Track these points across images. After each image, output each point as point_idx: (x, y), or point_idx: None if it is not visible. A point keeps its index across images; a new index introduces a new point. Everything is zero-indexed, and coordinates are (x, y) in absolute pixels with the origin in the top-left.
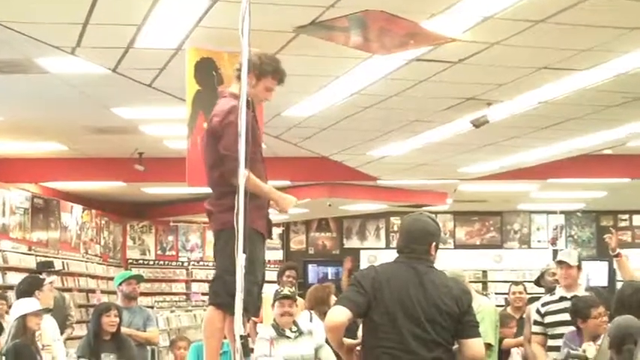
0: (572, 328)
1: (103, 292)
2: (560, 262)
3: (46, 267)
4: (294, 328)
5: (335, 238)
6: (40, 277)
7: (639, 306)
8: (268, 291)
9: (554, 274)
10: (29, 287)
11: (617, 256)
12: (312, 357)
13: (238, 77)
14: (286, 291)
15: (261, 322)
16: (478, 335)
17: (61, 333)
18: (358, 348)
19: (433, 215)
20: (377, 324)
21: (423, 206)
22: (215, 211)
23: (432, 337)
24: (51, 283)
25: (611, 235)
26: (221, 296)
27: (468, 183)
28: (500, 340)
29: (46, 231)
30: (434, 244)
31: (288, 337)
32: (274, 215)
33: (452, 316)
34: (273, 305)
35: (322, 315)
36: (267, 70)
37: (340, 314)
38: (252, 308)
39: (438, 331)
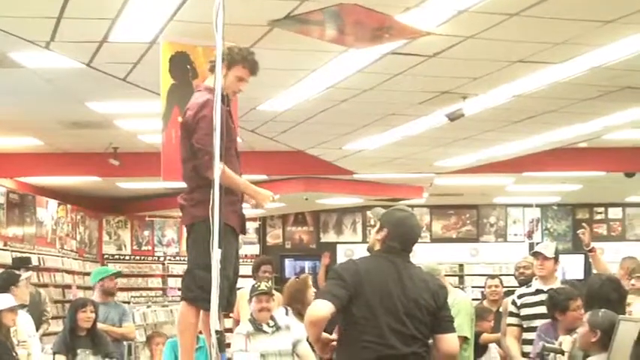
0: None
1: (79, 287)
2: (536, 254)
3: (22, 263)
4: (272, 323)
5: (312, 232)
6: (16, 272)
7: (608, 298)
8: (245, 286)
9: (520, 267)
10: (4, 283)
11: (591, 251)
12: (290, 352)
13: (211, 70)
14: (263, 286)
15: (239, 318)
16: (453, 330)
17: (37, 329)
18: (334, 343)
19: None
20: (357, 318)
21: (400, 200)
22: (187, 205)
23: (411, 331)
24: (27, 278)
25: (584, 230)
26: (192, 290)
27: (444, 177)
28: (478, 334)
29: (22, 226)
30: None
31: (266, 332)
32: (250, 209)
33: (429, 311)
34: (250, 300)
35: (297, 313)
36: (236, 59)
37: (323, 308)
38: (223, 302)
39: (416, 326)
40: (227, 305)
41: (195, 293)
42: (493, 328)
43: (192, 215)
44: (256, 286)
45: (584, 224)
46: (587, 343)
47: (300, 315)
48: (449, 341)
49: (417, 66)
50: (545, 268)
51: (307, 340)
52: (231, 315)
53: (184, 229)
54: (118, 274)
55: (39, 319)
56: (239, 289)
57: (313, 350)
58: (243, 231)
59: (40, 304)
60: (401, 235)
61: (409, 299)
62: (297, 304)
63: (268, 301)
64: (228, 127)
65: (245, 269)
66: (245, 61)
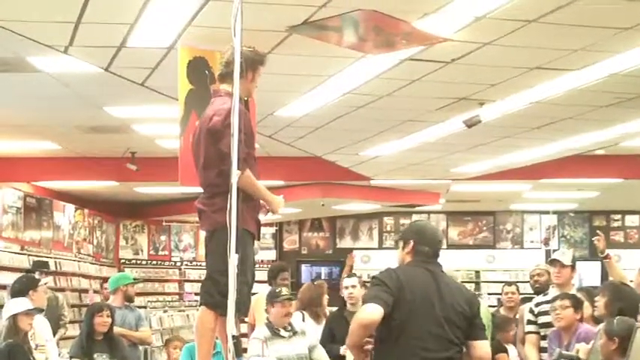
0: None
1: (95, 291)
2: (554, 261)
3: (40, 267)
4: (289, 328)
5: (328, 238)
6: (36, 277)
7: (622, 306)
8: (261, 291)
9: (534, 275)
10: (24, 287)
11: (605, 257)
12: (306, 356)
13: (225, 75)
14: (286, 292)
15: (254, 323)
16: (485, 337)
17: (54, 333)
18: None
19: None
20: (398, 322)
21: (416, 206)
22: (208, 210)
23: (449, 336)
24: (45, 284)
25: (599, 237)
26: (212, 296)
27: (461, 183)
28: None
29: (39, 230)
30: None
31: (283, 337)
32: (268, 215)
33: (465, 317)
34: (273, 306)
35: (314, 315)
36: (257, 59)
37: (375, 312)
38: (243, 308)
39: (454, 331)
40: (245, 310)
41: (217, 299)
42: None
43: (213, 221)
44: (278, 291)
45: (598, 232)
46: (608, 352)
47: (317, 316)
48: (482, 347)
49: (435, 72)
50: (562, 275)
51: (320, 344)
52: (246, 320)
53: (201, 235)
54: (138, 282)
55: (56, 324)
56: (254, 294)
57: (330, 357)
58: (259, 236)
59: (57, 309)
60: (427, 238)
61: (447, 305)
62: (314, 308)
63: (291, 305)
64: (252, 133)
65: (261, 275)
66: (263, 59)
